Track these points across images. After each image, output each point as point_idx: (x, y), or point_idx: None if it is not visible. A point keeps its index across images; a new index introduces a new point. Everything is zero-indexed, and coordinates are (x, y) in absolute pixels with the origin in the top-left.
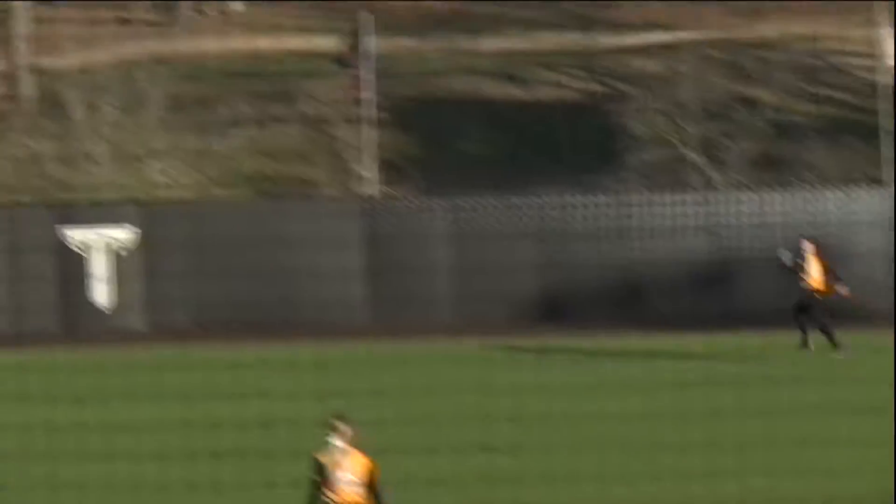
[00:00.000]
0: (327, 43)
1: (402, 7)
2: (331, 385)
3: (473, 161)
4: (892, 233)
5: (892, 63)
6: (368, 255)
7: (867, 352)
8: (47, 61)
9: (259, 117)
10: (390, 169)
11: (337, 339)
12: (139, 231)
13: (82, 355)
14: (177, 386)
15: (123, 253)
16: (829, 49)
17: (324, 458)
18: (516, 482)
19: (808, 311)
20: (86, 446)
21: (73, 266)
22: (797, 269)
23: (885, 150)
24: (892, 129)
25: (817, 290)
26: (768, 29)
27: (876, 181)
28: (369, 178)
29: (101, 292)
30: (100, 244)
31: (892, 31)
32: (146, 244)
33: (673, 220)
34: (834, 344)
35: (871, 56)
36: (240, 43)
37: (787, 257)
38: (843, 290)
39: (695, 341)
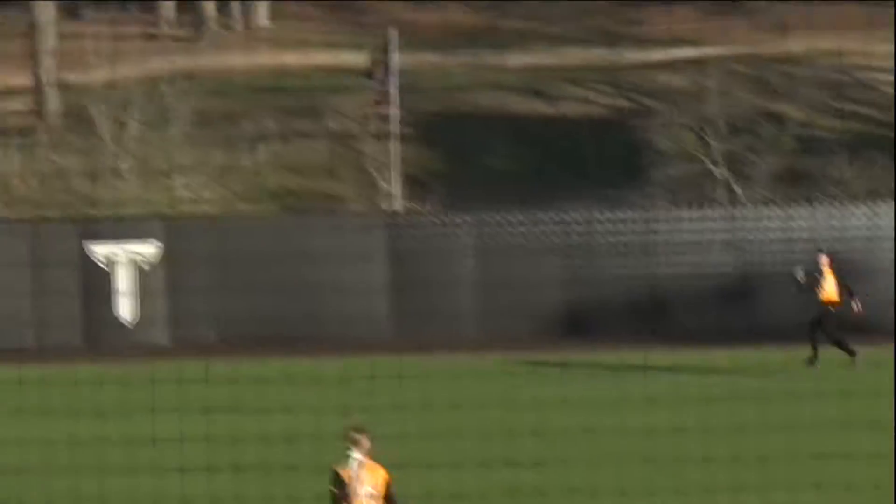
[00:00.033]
0: (353, 58)
1: (427, 22)
2: (354, 400)
3: (499, 176)
4: None
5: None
6: (393, 270)
7: (890, 367)
8: (73, 77)
9: (284, 132)
10: (415, 184)
11: (361, 353)
12: (164, 246)
13: (105, 369)
14: (200, 400)
15: (147, 268)
16: (854, 64)
17: (343, 471)
18: (540, 497)
19: (821, 326)
20: (108, 460)
21: (97, 281)
22: (812, 284)
23: None
24: None
25: (832, 303)
26: (794, 44)
27: None
28: (394, 193)
29: (125, 307)
30: (124, 259)
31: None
32: (170, 259)
33: (698, 235)
34: (852, 354)
35: None
36: (266, 58)
37: (801, 275)
38: (856, 306)
39: (719, 356)
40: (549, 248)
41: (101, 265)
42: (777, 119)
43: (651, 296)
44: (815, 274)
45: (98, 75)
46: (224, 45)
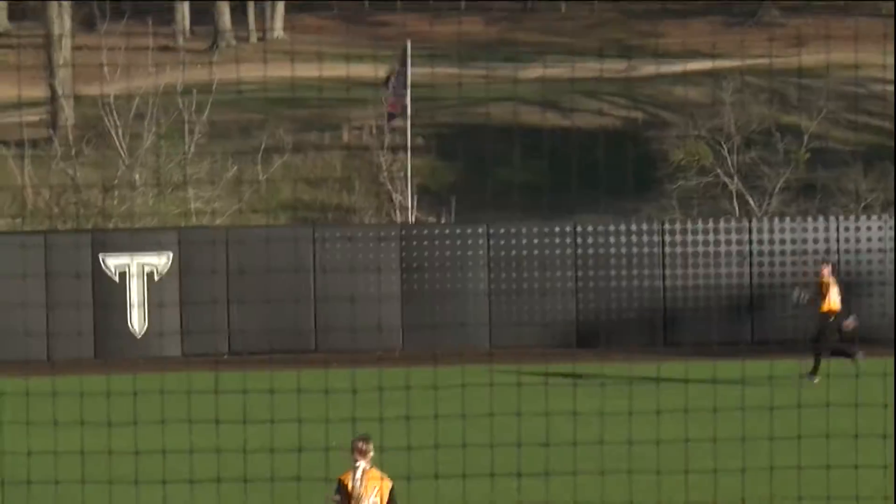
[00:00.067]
0: (368, 70)
1: (442, 34)
2: (365, 411)
3: (513, 188)
4: None
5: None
6: (406, 281)
7: None
8: (88, 88)
9: (299, 144)
10: (429, 195)
11: (373, 364)
12: (177, 258)
13: (117, 381)
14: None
15: (160, 279)
16: (869, 77)
17: (348, 480)
18: None
19: (821, 338)
20: (117, 471)
21: (109, 292)
22: (812, 302)
23: None
24: None
25: (832, 312)
26: (809, 57)
27: None
28: (408, 204)
29: (138, 318)
30: (137, 270)
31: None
32: (183, 271)
33: (712, 246)
34: (852, 356)
35: None
36: (280, 70)
37: (798, 296)
38: (852, 321)
39: (730, 367)
40: (562, 260)
41: (114, 277)
42: (791, 131)
43: (663, 307)
44: (811, 295)
45: (113, 87)
46: (239, 57)
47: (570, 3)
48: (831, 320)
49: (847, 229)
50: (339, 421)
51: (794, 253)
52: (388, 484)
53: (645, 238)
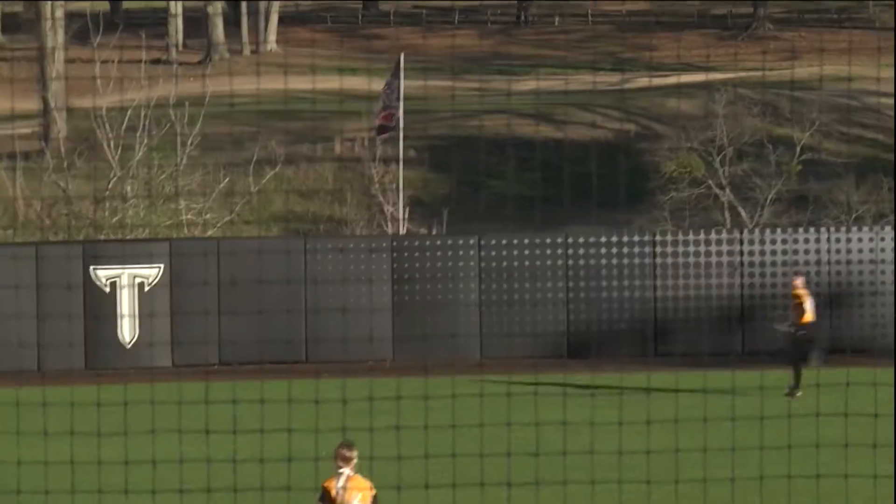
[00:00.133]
0: (361, 83)
1: (436, 47)
2: (355, 421)
3: (505, 199)
4: None
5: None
6: (397, 292)
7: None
8: (81, 101)
9: (291, 156)
10: (421, 207)
11: (364, 375)
12: (168, 269)
13: (107, 392)
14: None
15: (150, 290)
16: (861, 89)
17: (332, 487)
18: None
19: (796, 350)
20: (107, 481)
21: (100, 303)
22: (794, 318)
23: None
24: None
25: (806, 324)
26: (802, 69)
27: None
28: (399, 216)
29: (128, 329)
30: (128, 281)
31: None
32: (174, 281)
33: (703, 257)
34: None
35: None
36: (273, 83)
37: (781, 326)
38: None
39: (720, 378)
40: (553, 271)
41: (105, 288)
42: (784, 143)
43: (654, 318)
44: (792, 306)
45: (106, 100)
46: (232, 69)
47: (564, 16)
48: (802, 332)
49: (839, 241)
50: (330, 431)
51: (785, 264)
52: (371, 492)
53: (636, 249)
